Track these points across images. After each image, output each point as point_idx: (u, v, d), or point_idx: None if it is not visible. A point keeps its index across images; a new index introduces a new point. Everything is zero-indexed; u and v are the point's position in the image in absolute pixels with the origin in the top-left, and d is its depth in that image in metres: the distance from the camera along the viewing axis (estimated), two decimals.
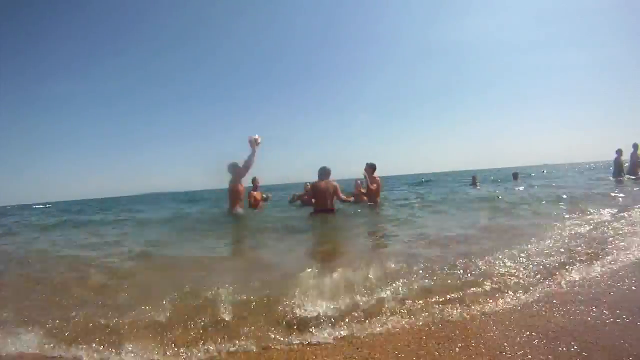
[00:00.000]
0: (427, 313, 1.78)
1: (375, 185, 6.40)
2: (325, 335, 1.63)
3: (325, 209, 5.46)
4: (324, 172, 5.64)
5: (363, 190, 6.67)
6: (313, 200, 5.66)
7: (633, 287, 1.99)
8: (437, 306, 1.85)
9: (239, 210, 6.16)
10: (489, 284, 2.11)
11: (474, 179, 13.73)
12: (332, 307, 1.85)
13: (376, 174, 6.52)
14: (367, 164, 6.43)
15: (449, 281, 2.16)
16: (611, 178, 10.28)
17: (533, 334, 1.53)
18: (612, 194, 6.35)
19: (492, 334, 1.56)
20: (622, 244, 2.87)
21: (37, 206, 29.65)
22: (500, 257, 2.60)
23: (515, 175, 14.96)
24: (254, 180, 7.03)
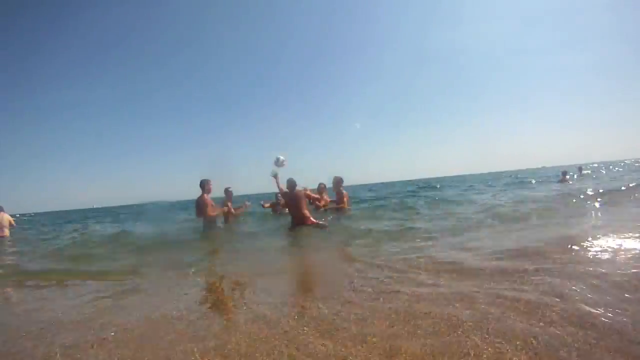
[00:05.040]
0: None
1: (326, 199, 6.69)
2: None
3: (301, 219, 5.46)
4: (292, 184, 5.63)
5: (323, 197, 6.75)
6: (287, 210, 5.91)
7: None
8: None
9: (219, 224, 5.87)
10: None
11: (564, 174, 13.99)
12: None
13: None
14: (334, 177, 6.61)
15: None
16: None
17: None
18: None
19: None
20: None
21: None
22: None
23: (580, 170, 14.74)
24: (226, 191, 6.74)
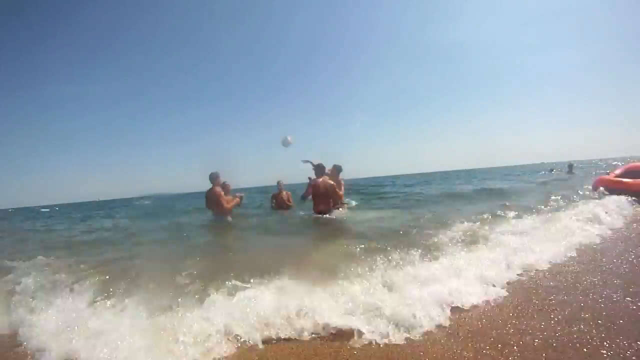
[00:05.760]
0: None
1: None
2: None
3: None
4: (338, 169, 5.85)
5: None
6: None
7: None
8: None
9: (229, 218, 5.70)
10: None
11: (570, 167, 14.22)
12: None
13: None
14: (333, 165, 6.09)
15: None
16: None
17: None
18: None
19: None
20: None
21: (44, 209, 29.13)
22: None
23: (570, 167, 14.84)
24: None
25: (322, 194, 5.36)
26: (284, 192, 7.14)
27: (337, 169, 6.13)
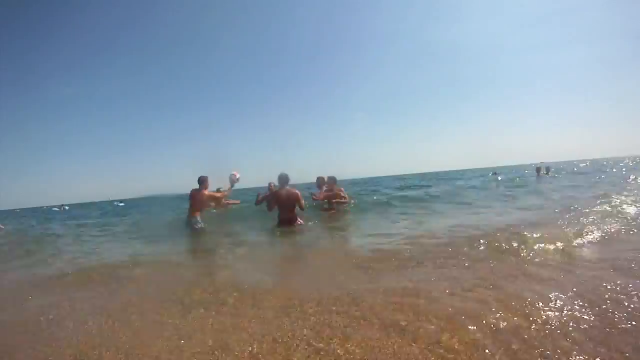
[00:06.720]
0: None
1: (323, 195, 6.64)
2: None
3: (287, 219, 5.26)
4: (284, 180, 5.27)
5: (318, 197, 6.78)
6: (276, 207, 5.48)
7: None
8: None
9: (198, 219, 5.79)
10: None
11: (538, 170, 13.89)
12: None
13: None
14: (327, 177, 6.77)
15: None
16: None
17: None
18: None
19: None
20: None
21: (55, 209, 29.89)
22: None
23: (538, 170, 14.43)
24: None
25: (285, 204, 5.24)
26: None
27: (331, 179, 6.73)
